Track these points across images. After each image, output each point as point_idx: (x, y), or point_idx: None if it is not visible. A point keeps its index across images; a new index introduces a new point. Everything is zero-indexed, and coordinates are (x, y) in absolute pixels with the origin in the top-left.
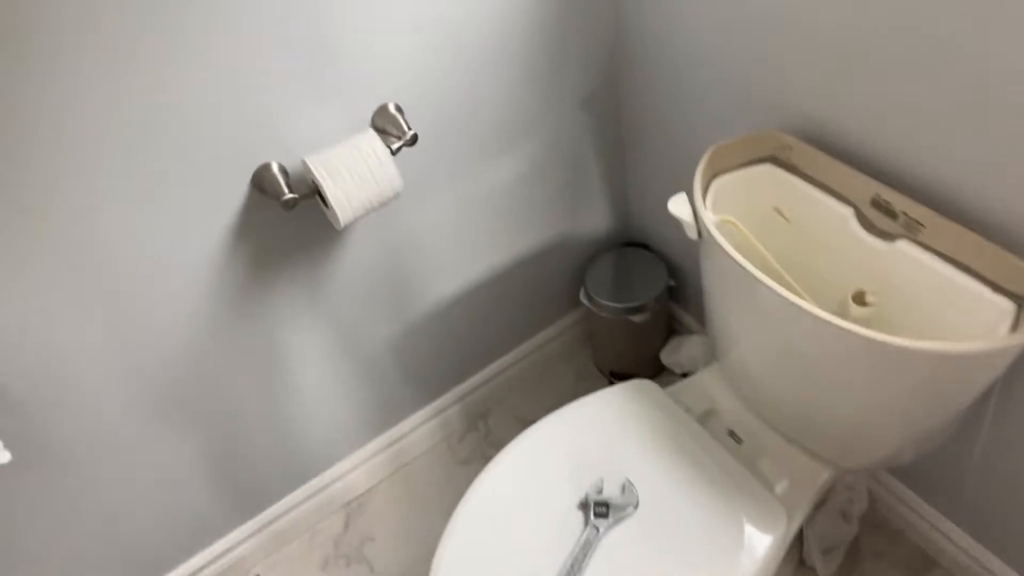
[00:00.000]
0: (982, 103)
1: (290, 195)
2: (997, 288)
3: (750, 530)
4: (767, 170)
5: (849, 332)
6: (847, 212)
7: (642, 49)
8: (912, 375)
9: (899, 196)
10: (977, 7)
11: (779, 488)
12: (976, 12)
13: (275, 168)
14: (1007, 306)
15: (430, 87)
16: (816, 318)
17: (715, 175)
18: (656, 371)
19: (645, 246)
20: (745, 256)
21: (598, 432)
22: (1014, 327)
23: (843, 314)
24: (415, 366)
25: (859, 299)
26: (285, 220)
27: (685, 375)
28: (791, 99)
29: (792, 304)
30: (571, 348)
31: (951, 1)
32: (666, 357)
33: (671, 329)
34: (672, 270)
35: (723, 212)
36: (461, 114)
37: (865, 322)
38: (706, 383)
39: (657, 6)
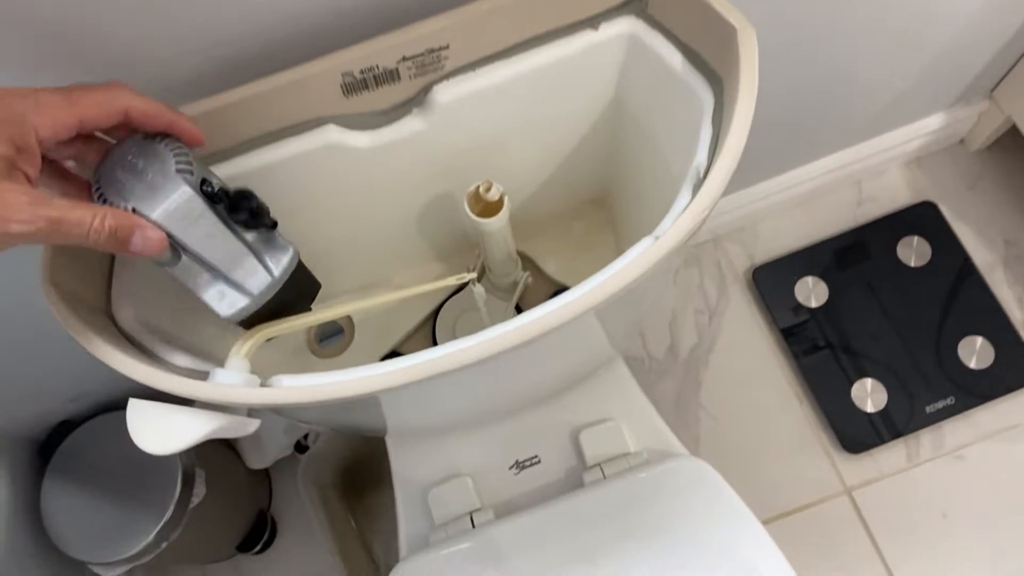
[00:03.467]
0: None
1: None
2: (575, 26)
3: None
4: None
5: (572, 305)
6: (329, 135)
7: None
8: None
9: (374, 46)
10: None
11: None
12: None
13: None
14: (626, 26)
15: None
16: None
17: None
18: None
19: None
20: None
21: None
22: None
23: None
24: None
25: (485, 210)
26: None
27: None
28: None
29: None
30: None
31: None
32: (258, 461)
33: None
34: None
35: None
36: None
37: (507, 219)
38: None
39: None
